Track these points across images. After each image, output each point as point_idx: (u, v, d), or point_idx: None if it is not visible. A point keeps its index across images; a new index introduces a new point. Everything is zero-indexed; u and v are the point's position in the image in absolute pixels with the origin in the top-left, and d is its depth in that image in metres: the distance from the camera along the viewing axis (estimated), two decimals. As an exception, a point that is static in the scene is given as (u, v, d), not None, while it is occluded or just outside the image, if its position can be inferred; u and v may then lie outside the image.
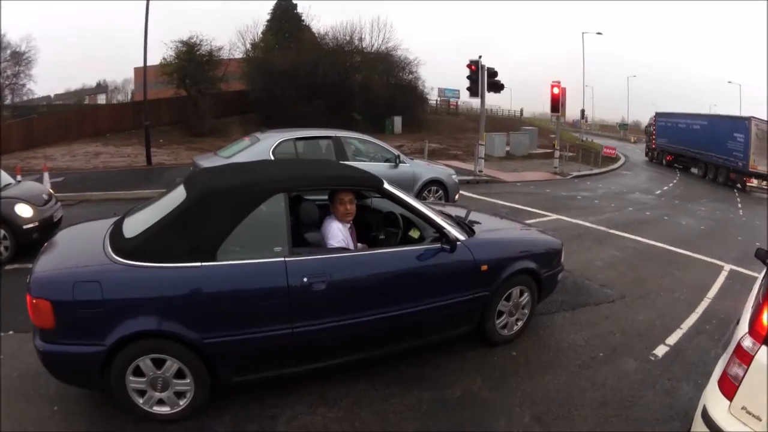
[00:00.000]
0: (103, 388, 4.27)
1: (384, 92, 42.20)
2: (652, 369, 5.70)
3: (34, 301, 4.03)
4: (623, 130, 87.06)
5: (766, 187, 31.43)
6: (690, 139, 37.70)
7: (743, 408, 3.12)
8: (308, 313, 4.52)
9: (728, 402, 3.20)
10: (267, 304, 4.42)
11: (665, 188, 27.82)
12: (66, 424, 4.39)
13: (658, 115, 45.12)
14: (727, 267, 10.40)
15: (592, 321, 6.89)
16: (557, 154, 27.40)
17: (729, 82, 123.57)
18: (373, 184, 5.31)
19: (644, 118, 51.28)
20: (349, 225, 5.34)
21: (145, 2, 22.61)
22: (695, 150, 37.04)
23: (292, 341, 4.50)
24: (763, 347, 3.09)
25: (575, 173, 27.56)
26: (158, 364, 4.21)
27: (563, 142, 36.02)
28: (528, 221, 12.87)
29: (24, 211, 9.29)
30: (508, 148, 34.13)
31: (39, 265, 4.43)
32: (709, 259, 11.00)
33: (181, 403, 4.38)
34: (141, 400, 4.29)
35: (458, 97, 58.29)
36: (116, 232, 4.72)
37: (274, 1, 49.01)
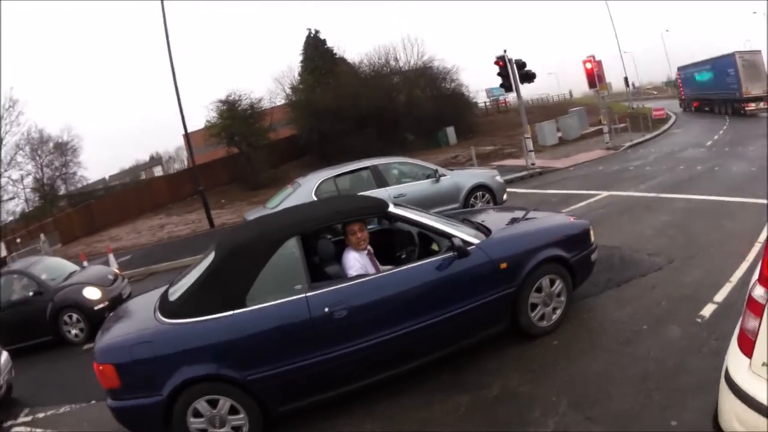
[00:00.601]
0: None
1: (430, 106, 42.53)
2: (699, 332, 5.50)
3: (100, 367, 4.75)
4: (670, 87, 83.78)
5: (765, 107, 35.14)
6: (703, 84, 43.11)
7: (764, 364, 2.81)
8: (336, 338, 4.94)
9: (748, 360, 2.91)
10: (296, 337, 4.88)
11: (716, 137, 26.80)
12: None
13: (679, 68, 50.30)
14: (781, 202, 9.87)
15: (638, 294, 6.73)
16: (606, 129, 26.84)
17: (754, 12, 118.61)
18: (376, 210, 5.71)
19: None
20: (365, 251, 5.61)
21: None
22: (708, 92, 42.26)
23: (327, 366, 4.92)
24: None
25: (628, 143, 26.86)
26: (212, 404, 4.77)
27: (613, 113, 35.35)
28: (578, 205, 13.03)
29: (92, 293, 10.13)
30: (559, 134, 33.52)
31: (100, 336, 5.22)
32: (760, 201, 10.50)
33: None
34: None
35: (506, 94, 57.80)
36: (164, 297, 5.44)
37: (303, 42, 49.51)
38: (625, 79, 53.55)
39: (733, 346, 3.12)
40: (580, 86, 28.24)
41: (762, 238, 8.07)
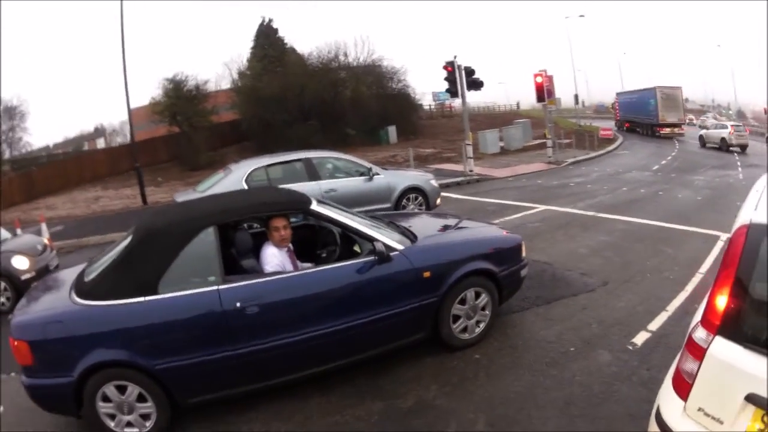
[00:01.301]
0: (80, 415, 4.76)
1: (375, 104, 42.48)
2: (629, 360, 5.41)
3: (15, 343, 4.60)
4: (605, 110, 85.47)
5: (677, 132, 46.29)
6: (632, 108, 52.18)
7: (700, 409, 2.76)
8: (247, 334, 4.81)
9: (683, 402, 2.85)
10: (207, 330, 4.73)
11: (663, 162, 27.65)
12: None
13: (617, 94, 60.92)
14: (724, 236, 9.85)
15: (567, 314, 6.63)
16: (549, 143, 27.23)
17: (718, 45, 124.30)
18: (299, 207, 5.56)
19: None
20: (285, 248, 5.45)
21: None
22: (635, 116, 51.04)
23: (237, 362, 4.79)
24: (718, 338, 2.76)
25: (571, 160, 27.35)
26: (121, 390, 4.64)
27: (560, 129, 35.88)
28: (513, 216, 12.96)
29: (20, 263, 9.88)
30: (502, 144, 33.90)
31: (18, 311, 5.02)
32: (704, 231, 10.64)
33: (147, 424, 4.74)
34: (112, 423, 4.69)
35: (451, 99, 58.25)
36: (80, 276, 5.25)
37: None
38: (575, 96, 55.90)
39: (667, 386, 3.04)
40: (528, 99, 28.91)
41: (704, 268, 8.11)
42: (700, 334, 2.83)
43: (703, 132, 42.59)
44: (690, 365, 2.83)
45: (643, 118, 49.07)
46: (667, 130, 45.78)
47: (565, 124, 50.07)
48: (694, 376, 2.80)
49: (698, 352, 2.79)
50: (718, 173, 22.39)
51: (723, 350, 2.71)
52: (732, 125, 39.14)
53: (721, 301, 2.77)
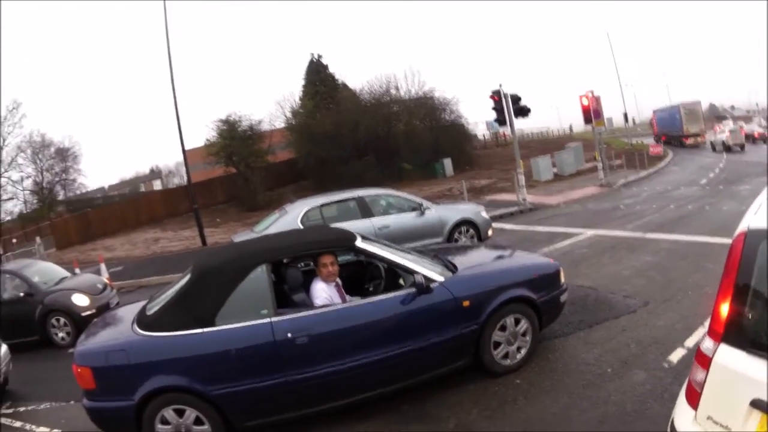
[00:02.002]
0: None
1: (428, 137, 42.30)
2: (664, 377, 5.51)
3: (78, 369, 5.11)
4: (639, 126, 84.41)
5: (699, 141, 52.27)
6: (665, 124, 58.44)
7: (709, 417, 2.80)
8: (298, 363, 5.16)
9: (694, 412, 2.90)
10: (260, 359, 5.11)
11: (711, 176, 27.08)
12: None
13: (654, 111, 66.54)
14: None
15: (608, 336, 6.75)
16: (600, 166, 27.04)
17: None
18: (345, 244, 5.93)
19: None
20: (334, 283, 5.79)
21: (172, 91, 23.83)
22: (668, 130, 56.87)
23: (288, 388, 5.14)
24: (722, 346, 2.80)
25: (622, 181, 26.98)
26: (179, 413, 5.06)
27: (611, 150, 35.48)
28: (562, 243, 13.06)
29: (81, 300, 10.68)
30: (555, 170, 33.56)
31: (81, 341, 5.59)
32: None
33: None
34: None
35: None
36: (142, 311, 5.76)
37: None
38: (625, 114, 54.46)
39: (681, 398, 3.11)
40: (580, 120, 28.48)
41: None
42: (706, 344, 2.89)
43: (711, 139, 49.84)
44: (699, 375, 2.89)
45: (673, 131, 55.34)
46: (691, 140, 52.38)
47: (617, 143, 49.83)
48: (702, 385, 2.85)
49: (705, 362, 2.85)
50: (763, 180, 21.86)
51: (727, 357, 2.76)
52: (729, 130, 47.09)
53: (724, 309, 2.83)
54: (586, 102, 26.08)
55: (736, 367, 2.70)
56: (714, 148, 47.08)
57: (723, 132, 47.73)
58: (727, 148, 44.27)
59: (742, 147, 44.57)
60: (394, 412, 5.56)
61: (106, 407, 5.12)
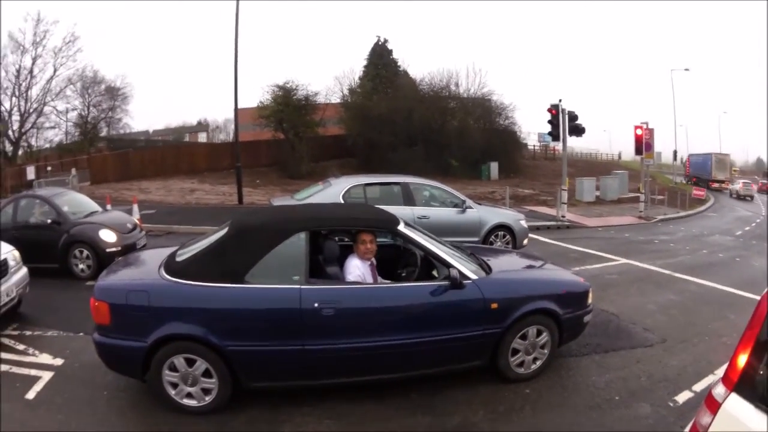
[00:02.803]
0: (144, 379, 5.25)
1: (480, 137, 42.29)
2: (667, 415, 5.55)
3: (96, 303, 5.17)
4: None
5: (723, 186, 58.94)
6: (697, 167, 65.17)
7: None
8: (318, 333, 5.22)
9: None
10: (282, 323, 5.20)
11: (747, 228, 26.85)
12: (111, 404, 5.53)
13: (689, 155, 72.19)
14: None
15: (622, 365, 6.80)
16: (642, 198, 26.84)
17: None
18: (387, 225, 5.95)
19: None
20: (369, 262, 5.88)
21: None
22: (699, 173, 63.18)
23: (304, 356, 5.21)
24: (733, 395, 2.82)
25: (661, 217, 26.90)
26: (190, 362, 5.12)
27: (655, 184, 35.20)
28: (593, 266, 13.03)
29: (108, 236, 10.66)
30: (598, 193, 33.51)
31: (104, 276, 5.71)
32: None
33: (207, 399, 5.23)
34: (173, 392, 5.20)
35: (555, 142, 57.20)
36: (171, 256, 5.82)
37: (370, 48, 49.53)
38: (674, 152, 61.87)
39: None
40: (630, 150, 28.41)
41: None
42: (718, 390, 2.92)
43: (731, 187, 58.62)
44: (705, 419, 2.91)
45: (703, 174, 61.64)
46: (716, 184, 58.74)
47: (662, 179, 49.98)
48: (706, 429, 2.87)
49: (714, 407, 2.88)
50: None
51: (736, 407, 2.79)
52: (742, 182, 57.96)
53: (742, 359, 2.86)
54: (639, 132, 25.84)
55: (742, 419, 2.74)
56: (731, 194, 56.66)
57: (738, 183, 58.04)
58: (739, 197, 54.56)
59: (752, 197, 55.79)
60: (404, 399, 5.65)
61: (116, 344, 5.16)
